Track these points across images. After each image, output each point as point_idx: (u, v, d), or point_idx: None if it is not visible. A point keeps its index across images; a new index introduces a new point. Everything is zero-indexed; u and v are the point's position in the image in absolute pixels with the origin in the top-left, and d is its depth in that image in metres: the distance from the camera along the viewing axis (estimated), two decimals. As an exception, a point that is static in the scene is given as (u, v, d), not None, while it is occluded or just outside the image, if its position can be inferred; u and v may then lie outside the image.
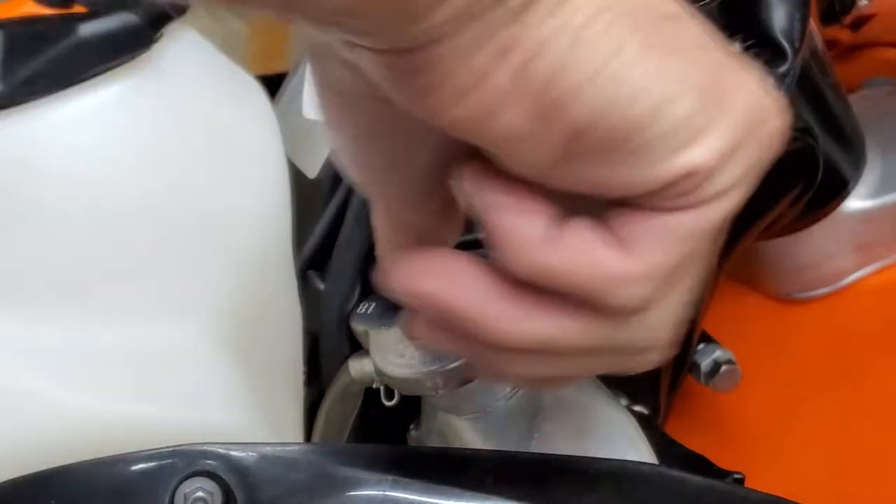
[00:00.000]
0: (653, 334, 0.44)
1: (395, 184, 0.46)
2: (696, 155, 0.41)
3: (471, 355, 0.45)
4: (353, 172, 0.46)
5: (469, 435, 0.57)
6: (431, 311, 0.43)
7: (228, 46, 0.60)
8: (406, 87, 0.40)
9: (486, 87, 0.39)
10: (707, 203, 0.42)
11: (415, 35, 0.38)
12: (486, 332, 0.43)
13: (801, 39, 0.62)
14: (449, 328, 0.43)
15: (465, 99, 0.39)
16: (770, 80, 0.44)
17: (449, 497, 0.46)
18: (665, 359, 0.46)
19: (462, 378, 0.53)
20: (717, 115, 0.41)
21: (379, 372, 0.55)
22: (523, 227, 0.42)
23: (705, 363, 0.72)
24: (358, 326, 0.57)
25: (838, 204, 0.74)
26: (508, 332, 0.43)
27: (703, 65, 0.41)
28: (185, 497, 0.45)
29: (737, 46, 0.44)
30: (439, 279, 0.43)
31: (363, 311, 0.56)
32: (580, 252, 0.42)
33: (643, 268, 0.42)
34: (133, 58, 0.53)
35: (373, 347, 0.55)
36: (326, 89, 0.44)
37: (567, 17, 0.39)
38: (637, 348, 0.44)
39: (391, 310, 0.56)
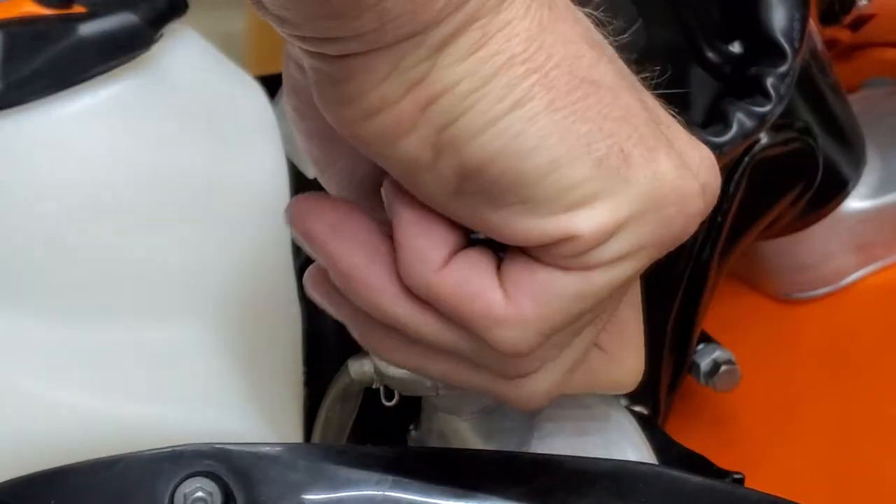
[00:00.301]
0: (520, 371, 0.45)
1: (350, 191, 0.47)
2: (579, 221, 0.41)
3: (345, 319, 0.46)
4: (316, 174, 0.47)
5: (469, 435, 0.57)
6: (317, 254, 0.44)
7: (228, 46, 0.60)
8: (326, 94, 0.42)
9: (392, 113, 0.41)
10: (593, 269, 0.42)
11: (337, 43, 0.40)
12: (359, 297, 0.44)
13: (801, 39, 0.62)
14: (333, 286, 0.45)
15: (372, 119, 0.41)
16: (707, 160, 0.44)
17: (449, 497, 0.46)
18: (544, 405, 0.47)
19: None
20: (612, 187, 0.41)
21: (379, 372, 0.55)
22: (423, 248, 0.43)
23: (705, 363, 0.72)
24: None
25: (838, 204, 0.74)
26: (381, 305, 0.44)
27: (612, 136, 0.41)
28: (185, 497, 0.45)
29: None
30: (332, 228, 0.44)
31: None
32: (468, 285, 0.43)
33: (520, 315, 0.43)
34: (133, 58, 0.53)
35: (372, 350, 0.55)
36: (287, 87, 0.46)
37: (478, 64, 0.40)
38: (506, 376, 0.45)
39: None
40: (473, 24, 0.40)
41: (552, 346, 0.44)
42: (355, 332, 0.46)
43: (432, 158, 0.41)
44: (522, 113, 0.40)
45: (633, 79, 0.44)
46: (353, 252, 0.44)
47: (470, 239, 0.44)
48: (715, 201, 0.45)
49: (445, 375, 0.46)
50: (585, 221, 0.41)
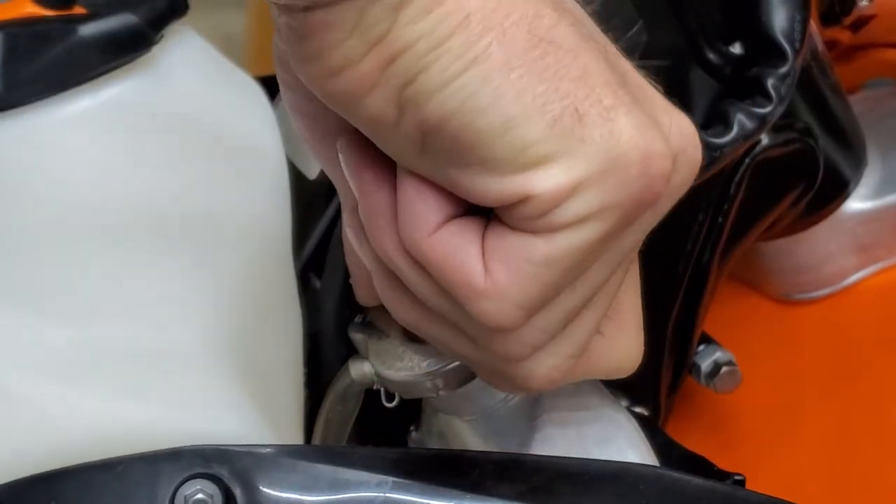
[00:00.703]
0: (510, 354, 0.45)
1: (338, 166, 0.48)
2: (535, 181, 0.42)
3: (365, 259, 0.48)
4: (310, 149, 0.49)
5: (469, 436, 0.57)
6: (352, 182, 0.46)
7: (228, 47, 0.60)
8: (296, 51, 0.43)
9: (355, 71, 0.42)
10: (557, 231, 0.43)
11: None
12: (373, 238, 0.46)
13: (802, 41, 0.62)
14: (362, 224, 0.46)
15: (337, 77, 0.42)
16: (682, 124, 0.44)
17: (449, 499, 0.46)
18: (546, 389, 0.47)
19: (462, 379, 0.53)
20: (567, 147, 0.42)
21: (379, 374, 0.55)
22: (419, 211, 0.44)
23: (706, 364, 0.72)
24: (356, 336, 0.57)
25: (839, 205, 0.74)
26: (387, 252, 0.45)
27: (568, 96, 0.42)
28: (186, 499, 0.45)
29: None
30: (374, 164, 0.45)
31: (360, 320, 0.57)
32: (453, 252, 0.44)
33: (496, 286, 0.43)
34: (133, 59, 0.53)
35: (372, 355, 0.55)
36: (275, 58, 0.47)
37: (436, 22, 0.41)
38: (497, 357, 0.46)
39: None
40: None
41: (539, 330, 0.45)
42: (374, 277, 0.48)
43: (396, 116, 0.42)
44: (478, 71, 0.41)
45: (603, 43, 0.44)
46: (381, 192, 0.45)
47: (470, 209, 0.44)
48: (695, 172, 0.45)
49: (445, 343, 0.47)
50: (541, 181, 0.42)
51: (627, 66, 0.44)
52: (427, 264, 0.44)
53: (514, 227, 0.43)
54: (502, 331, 0.44)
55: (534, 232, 0.43)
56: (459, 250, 0.43)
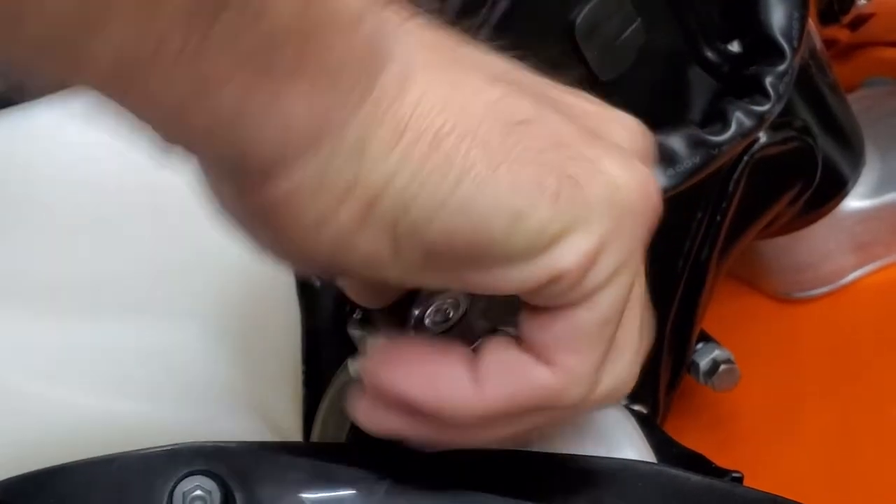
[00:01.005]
0: (589, 407, 0.44)
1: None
2: (559, 260, 0.41)
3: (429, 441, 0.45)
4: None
5: (468, 434, 0.57)
6: (409, 404, 0.43)
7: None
8: (264, 231, 0.41)
9: (335, 225, 0.39)
10: (592, 296, 0.42)
11: (253, 166, 0.38)
12: (439, 413, 0.43)
13: (800, 39, 0.62)
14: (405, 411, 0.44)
15: (318, 236, 0.39)
16: (643, 142, 0.44)
17: (448, 496, 0.46)
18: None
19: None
20: (577, 214, 0.41)
21: (378, 372, 0.55)
22: (443, 384, 0.42)
23: (704, 362, 0.72)
24: (355, 332, 0.57)
25: (837, 203, 0.74)
26: (470, 436, 0.43)
27: (557, 166, 0.40)
28: (184, 496, 0.45)
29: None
30: (421, 376, 0.43)
31: (359, 316, 0.57)
32: (513, 380, 0.42)
33: (569, 372, 0.42)
34: (132, 57, 0.53)
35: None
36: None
37: (406, 151, 0.39)
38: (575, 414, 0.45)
39: None
40: (383, 117, 0.39)
41: (599, 373, 0.44)
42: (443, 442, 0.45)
43: (393, 248, 0.40)
44: (469, 182, 0.39)
45: (548, 94, 0.43)
46: (443, 388, 0.43)
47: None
48: (651, 155, 0.44)
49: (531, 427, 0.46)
50: (566, 256, 0.41)
51: (559, 93, 0.43)
52: (500, 410, 0.42)
53: (554, 309, 0.42)
54: (585, 398, 0.43)
55: (573, 304, 0.42)
56: (515, 373, 0.42)
